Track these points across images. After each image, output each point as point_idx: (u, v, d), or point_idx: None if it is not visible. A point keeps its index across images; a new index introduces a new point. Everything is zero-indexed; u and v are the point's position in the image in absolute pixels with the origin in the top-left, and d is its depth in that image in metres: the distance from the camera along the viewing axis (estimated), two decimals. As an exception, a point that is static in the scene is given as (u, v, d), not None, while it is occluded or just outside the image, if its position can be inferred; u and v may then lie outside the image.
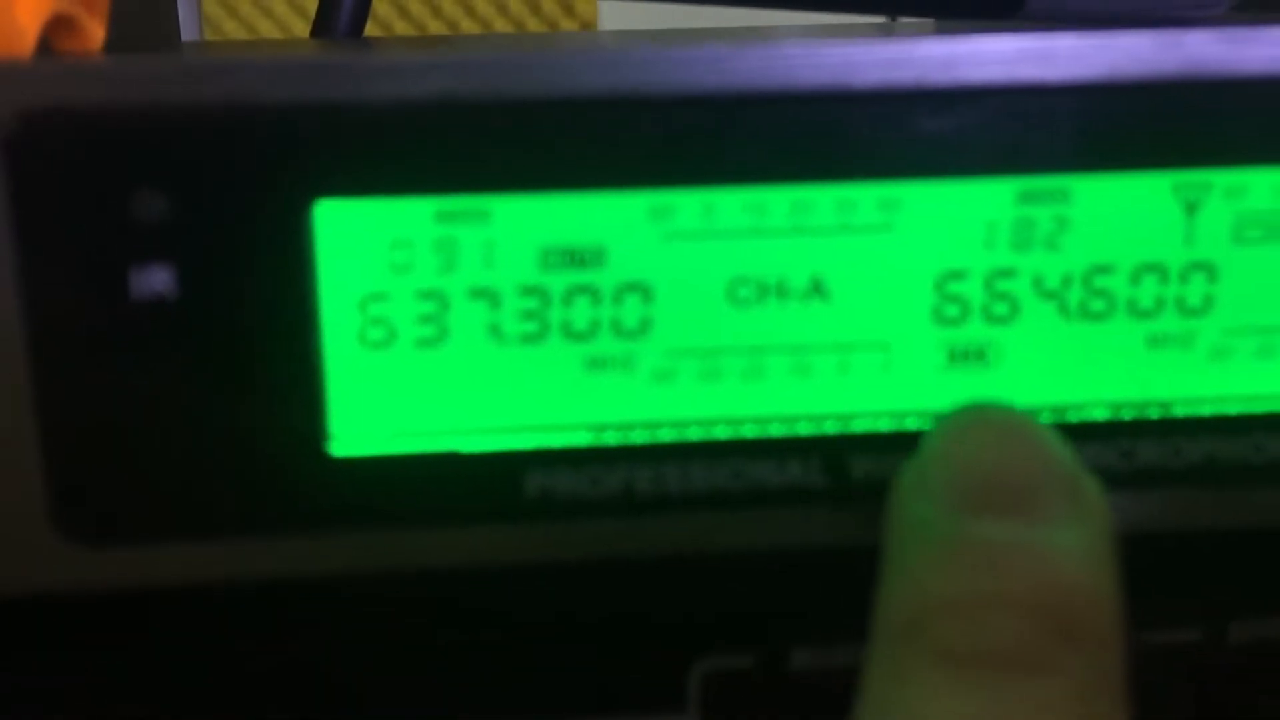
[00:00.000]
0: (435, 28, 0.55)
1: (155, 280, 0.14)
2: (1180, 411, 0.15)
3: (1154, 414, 0.15)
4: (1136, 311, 0.15)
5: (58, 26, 0.16)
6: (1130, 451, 0.15)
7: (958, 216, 0.15)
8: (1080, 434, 0.15)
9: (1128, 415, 0.15)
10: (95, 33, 0.19)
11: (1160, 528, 0.15)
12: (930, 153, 0.15)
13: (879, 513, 0.15)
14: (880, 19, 0.33)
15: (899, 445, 0.15)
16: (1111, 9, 0.23)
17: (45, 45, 0.17)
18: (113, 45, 0.17)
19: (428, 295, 0.15)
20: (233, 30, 0.54)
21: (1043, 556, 0.13)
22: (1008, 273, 0.15)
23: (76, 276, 0.13)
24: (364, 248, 0.14)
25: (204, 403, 0.14)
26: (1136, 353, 0.15)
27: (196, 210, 0.14)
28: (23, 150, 0.13)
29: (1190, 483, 0.15)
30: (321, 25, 0.35)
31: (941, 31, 0.19)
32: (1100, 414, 0.15)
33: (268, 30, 0.56)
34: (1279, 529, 0.15)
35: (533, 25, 1.20)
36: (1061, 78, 0.14)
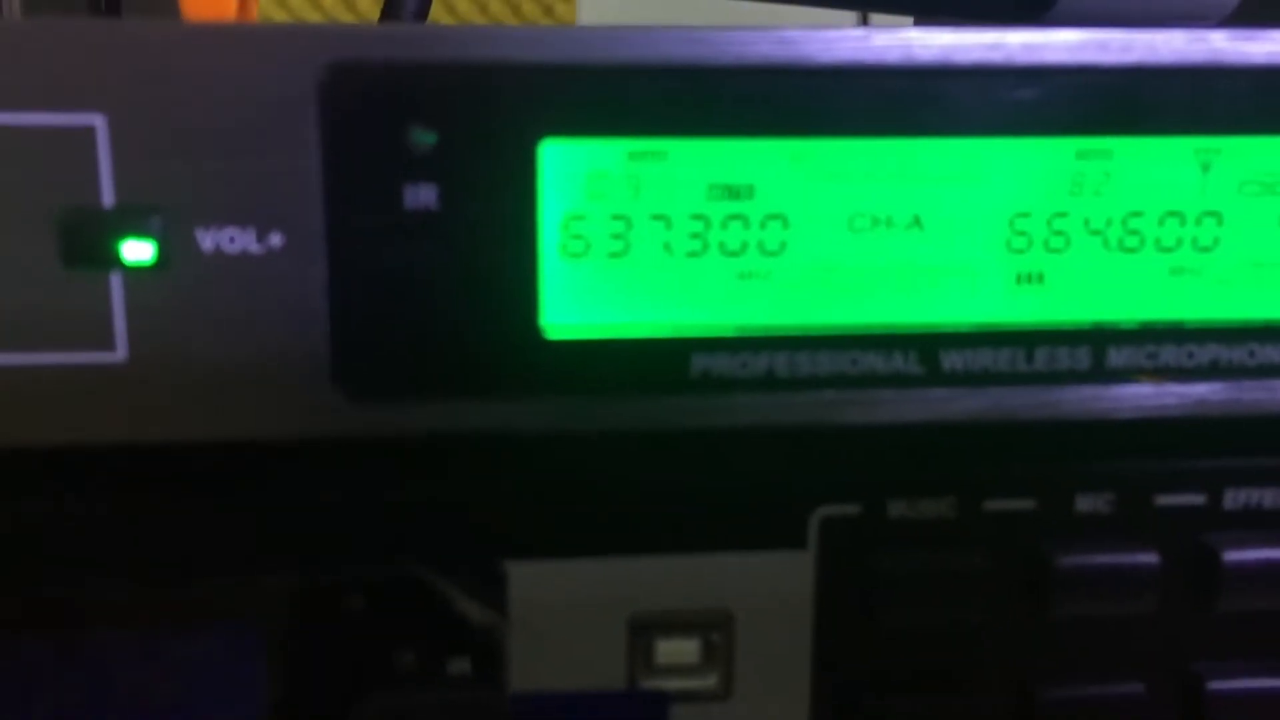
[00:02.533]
0: (480, 15, 0.58)
1: (423, 196, 0.18)
2: (1192, 324, 0.20)
3: (1172, 326, 0.20)
4: (1161, 248, 0.20)
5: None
6: (1155, 354, 0.19)
7: (1026, 168, 0.19)
8: (1115, 339, 0.19)
9: (1153, 326, 0.20)
10: (253, 6, 0.23)
11: (1175, 414, 0.19)
12: (1009, 117, 0.19)
13: (961, 396, 0.19)
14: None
15: (978, 342, 0.19)
16: (1125, 15, 0.27)
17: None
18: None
19: (618, 217, 0.19)
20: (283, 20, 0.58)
21: None
22: (1063, 214, 0.19)
23: (366, 189, 0.17)
24: (573, 177, 0.18)
25: (456, 294, 0.18)
26: (1161, 279, 0.20)
27: (455, 144, 0.18)
28: (333, 93, 0.17)
29: (1198, 379, 0.19)
30: (391, 10, 0.39)
31: (1029, 23, 0.23)
32: (1131, 325, 0.20)
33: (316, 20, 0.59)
34: (1267, 417, 0.19)
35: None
36: (1113, 62, 0.19)
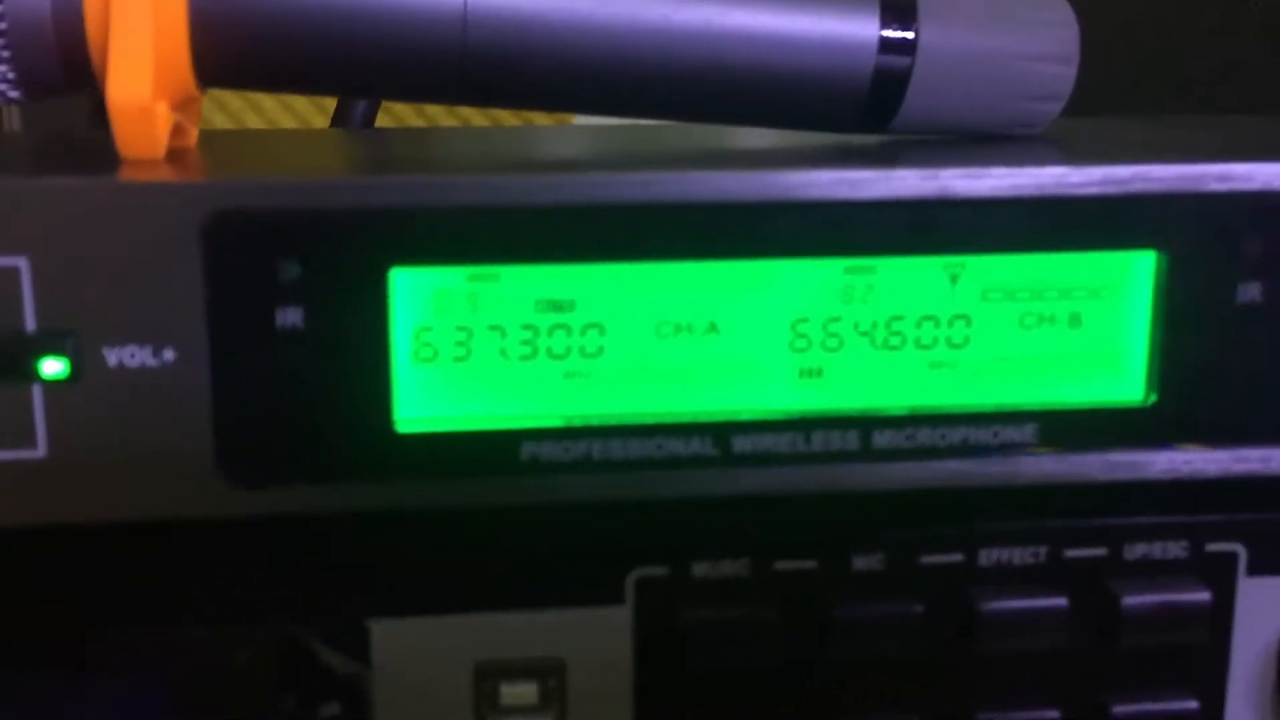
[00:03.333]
0: (418, 118, 0.62)
1: (291, 317, 0.21)
2: (947, 410, 0.23)
3: (930, 412, 0.23)
4: (920, 346, 0.24)
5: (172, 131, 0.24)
6: (913, 436, 0.23)
7: (804, 282, 0.23)
8: (881, 424, 0.23)
9: (914, 413, 0.23)
10: (192, 133, 0.27)
11: (933, 486, 0.23)
12: (789, 242, 0.23)
13: (752, 474, 0.23)
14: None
15: (765, 429, 0.23)
16: (956, 127, 0.31)
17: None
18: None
19: (460, 328, 0.23)
20: (221, 124, 0.61)
21: None
22: (836, 319, 0.23)
23: (243, 312, 0.21)
24: (421, 296, 0.22)
25: (320, 396, 0.22)
26: (921, 372, 0.24)
27: (318, 274, 0.21)
28: (213, 235, 0.21)
29: (951, 457, 0.23)
30: (341, 117, 0.43)
31: (800, 166, 0.27)
32: (896, 412, 0.23)
33: (255, 124, 0.63)
34: (1010, 488, 0.23)
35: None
36: (871, 197, 0.23)
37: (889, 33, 0.28)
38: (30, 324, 0.21)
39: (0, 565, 0.22)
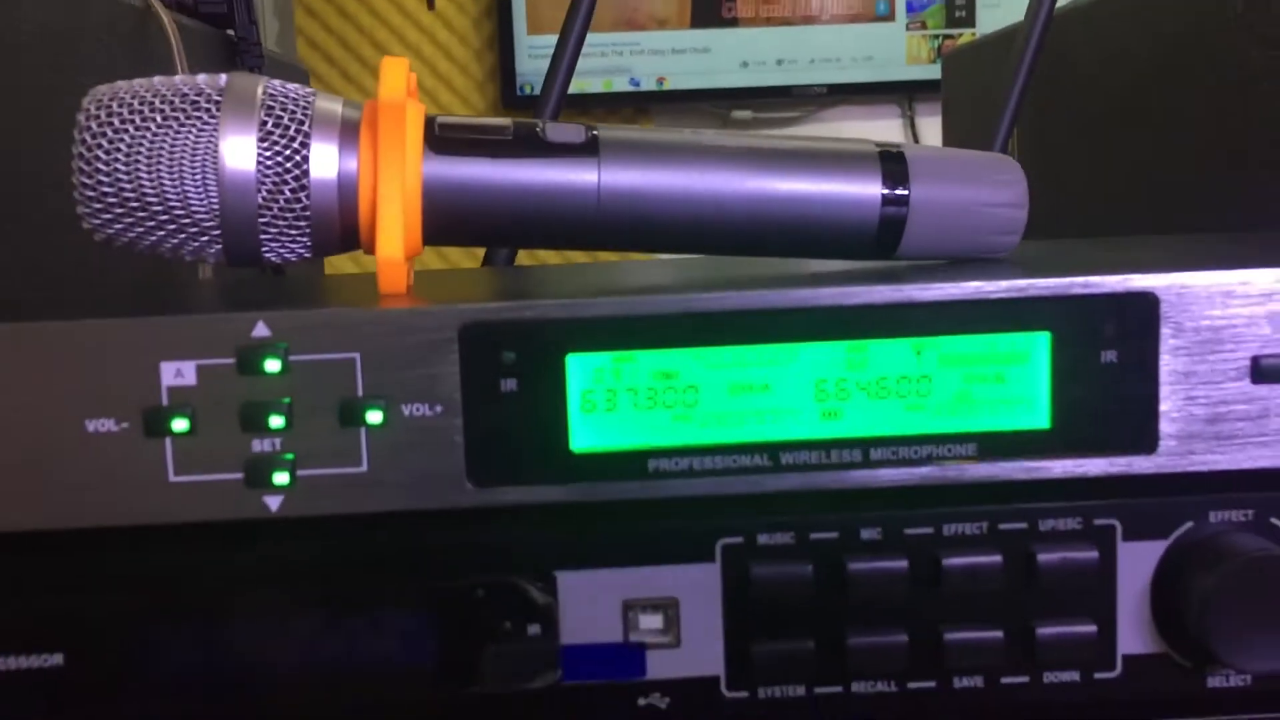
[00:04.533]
0: (530, 258, 0.75)
1: (509, 384, 0.36)
2: (919, 435, 0.37)
3: (908, 436, 0.37)
4: (899, 395, 0.37)
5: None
6: (897, 452, 0.37)
7: (824, 354, 0.37)
8: (876, 445, 0.37)
9: (898, 436, 0.37)
10: (410, 273, 0.42)
11: (912, 485, 0.36)
12: (812, 331, 0.36)
13: (794, 478, 0.36)
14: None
15: (801, 449, 0.36)
16: (943, 254, 0.45)
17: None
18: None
19: (609, 390, 0.37)
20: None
21: None
22: (844, 379, 0.37)
23: (481, 380, 0.36)
24: (584, 372, 0.36)
25: (528, 432, 0.36)
26: (901, 412, 0.37)
27: (526, 358, 0.36)
28: (466, 337, 0.35)
29: (923, 465, 0.36)
30: (490, 259, 0.59)
31: (817, 285, 0.41)
32: (887, 436, 0.37)
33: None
34: (962, 485, 0.36)
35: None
36: (861, 303, 0.36)
37: (888, 192, 0.42)
38: (360, 391, 0.35)
39: (337, 538, 0.36)
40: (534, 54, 2.12)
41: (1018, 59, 0.64)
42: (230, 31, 1.05)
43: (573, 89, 2.11)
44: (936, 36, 2.22)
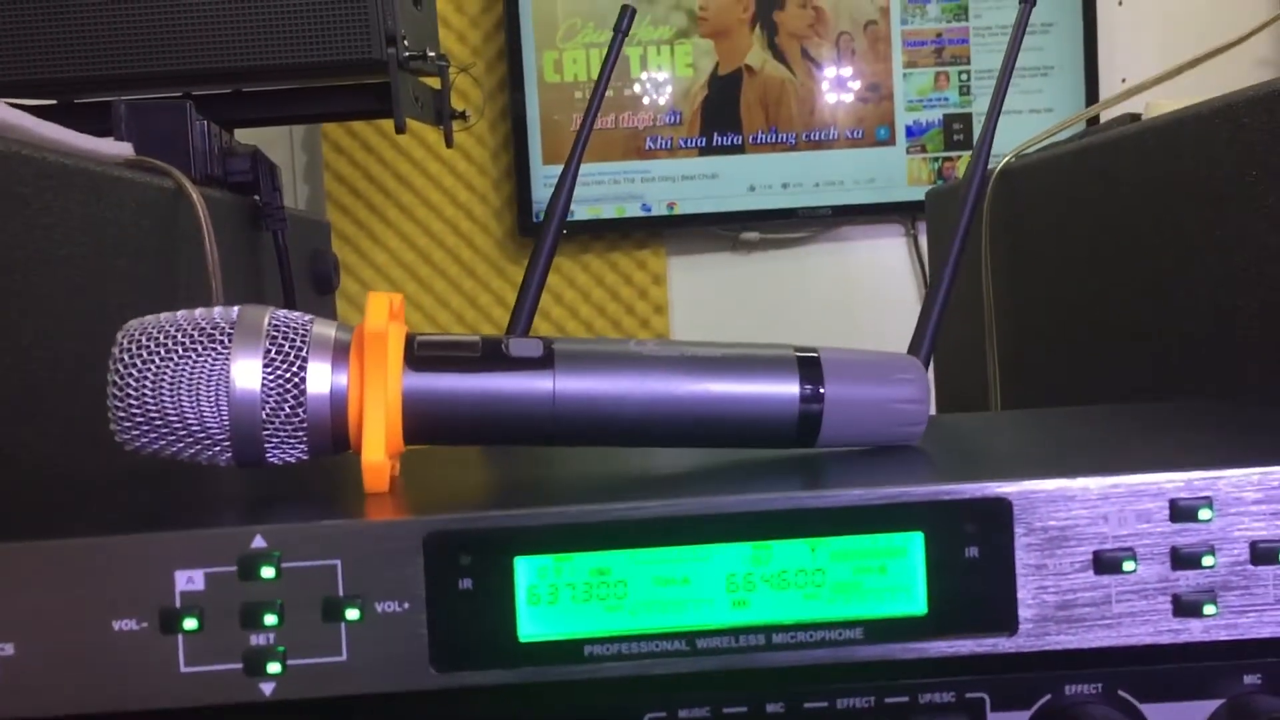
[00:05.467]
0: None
1: (465, 583, 0.43)
2: (817, 621, 0.43)
3: (807, 622, 0.43)
4: (797, 586, 0.43)
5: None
6: (795, 636, 0.43)
7: (731, 553, 0.43)
8: (777, 630, 0.43)
9: (796, 622, 0.43)
10: (395, 467, 0.49)
11: (809, 664, 0.43)
12: (722, 532, 0.43)
13: (708, 660, 0.43)
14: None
15: (714, 635, 0.43)
16: (857, 443, 0.51)
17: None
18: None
19: (550, 585, 0.43)
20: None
21: None
22: (750, 573, 0.43)
23: (443, 579, 0.42)
24: (530, 571, 0.43)
25: (484, 624, 0.43)
26: (799, 600, 0.43)
27: (480, 559, 0.43)
28: (428, 544, 0.42)
29: (818, 648, 0.43)
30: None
31: (724, 492, 0.47)
32: (786, 622, 0.43)
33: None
34: (852, 664, 0.43)
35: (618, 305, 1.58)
36: (760, 509, 0.43)
37: (806, 390, 0.49)
38: (341, 591, 0.42)
39: (322, 718, 0.43)
40: (549, 183, 2.22)
41: (956, 217, 0.71)
42: (256, 197, 1.14)
43: (586, 216, 2.23)
44: (936, 159, 2.31)
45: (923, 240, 2.33)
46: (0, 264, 0.62)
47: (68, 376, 0.68)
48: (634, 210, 2.27)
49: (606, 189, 2.26)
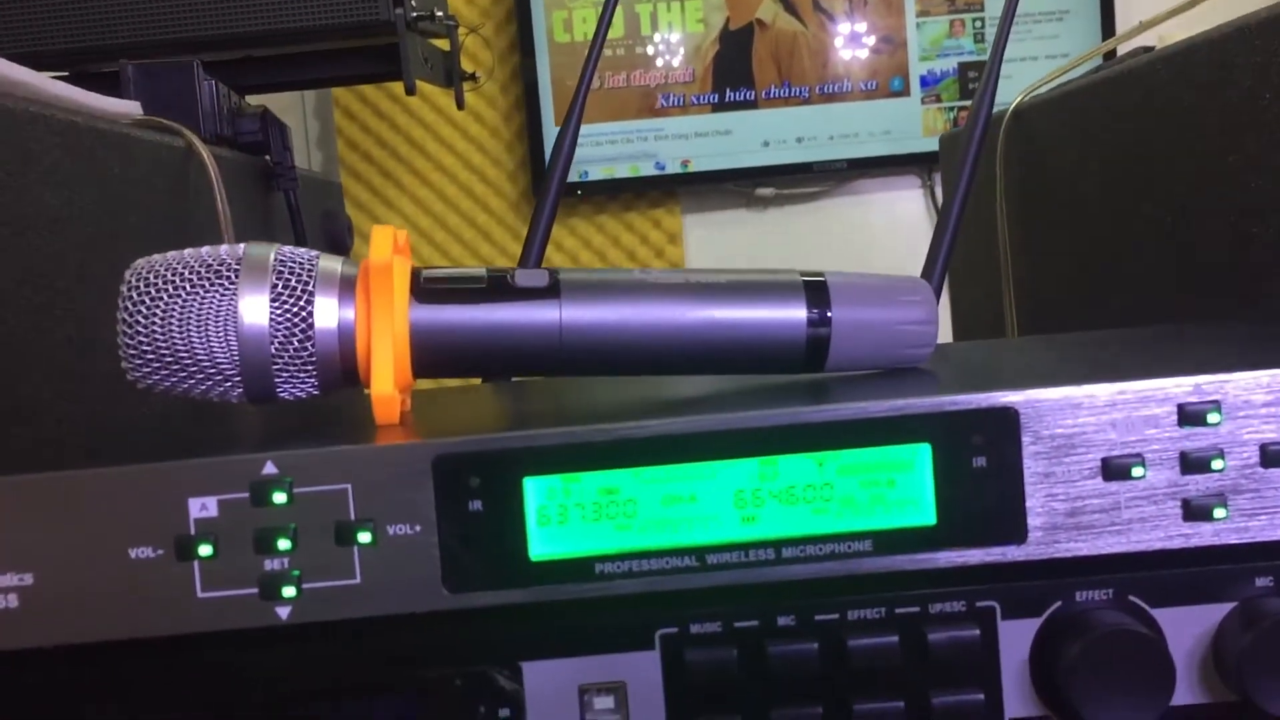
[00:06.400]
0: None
1: (476, 504, 0.43)
2: (825, 534, 0.43)
3: (816, 535, 0.43)
4: (806, 501, 0.44)
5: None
6: (804, 550, 0.43)
7: (738, 469, 0.43)
8: (786, 544, 0.43)
9: (806, 536, 0.43)
10: (408, 401, 0.50)
11: (819, 577, 0.43)
12: (730, 449, 0.43)
13: (718, 575, 0.43)
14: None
15: (724, 550, 0.43)
16: (866, 366, 0.51)
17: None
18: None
19: (560, 505, 0.44)
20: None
21: None
22: (758, 488, 0.44)
23: (453, 499, 0.43)
24: (539, 492, 0.43)
25: (495, 544, 0.43)
26: (808, 515, 0.44)
27: (489, 481, 0.43)
28: (437, 466, 0.43)
29: (826, 561, 0.43)
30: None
31: (732, 409, 0.48)
32: (797, 536, 0.43)
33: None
34: (861, 575, 0.43)
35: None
36: (768, 424, 0.43)
37: (813, 314, 0.49)
38: (352, 515, 0.43)
39: (337, 639, 0.43)
40: (563, 144, 2.22)
41: (961, 159, 0.70)
42: (267, 157, 1.15)
43: (600, 175, 2.22)
44: (951, 109, 2.29)
45: (939, 191, 2.32)
46: (11, 221, 0.63)
47: (81, 334, 0.69)
48: (648, 169, 2.27)
49: (620, 148, 2.25)
